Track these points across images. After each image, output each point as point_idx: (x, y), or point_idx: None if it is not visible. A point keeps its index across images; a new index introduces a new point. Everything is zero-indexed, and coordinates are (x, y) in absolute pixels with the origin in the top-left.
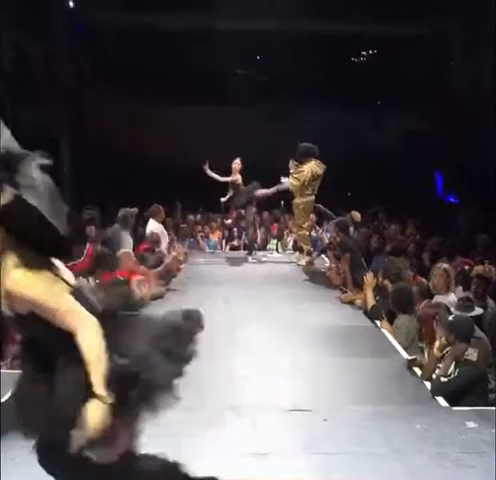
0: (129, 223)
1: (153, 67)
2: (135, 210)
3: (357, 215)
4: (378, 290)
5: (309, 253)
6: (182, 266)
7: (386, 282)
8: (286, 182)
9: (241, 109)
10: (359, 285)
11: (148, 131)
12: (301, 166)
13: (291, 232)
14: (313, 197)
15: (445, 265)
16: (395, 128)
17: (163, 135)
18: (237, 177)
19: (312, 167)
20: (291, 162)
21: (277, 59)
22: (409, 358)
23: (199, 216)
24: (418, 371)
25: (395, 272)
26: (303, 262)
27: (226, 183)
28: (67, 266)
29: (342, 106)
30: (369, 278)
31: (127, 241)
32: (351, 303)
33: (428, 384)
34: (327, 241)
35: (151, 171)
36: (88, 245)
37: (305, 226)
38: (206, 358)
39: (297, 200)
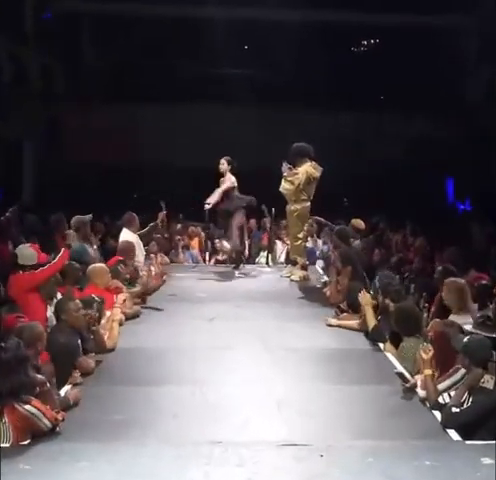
0: (81, 232)
1: (131, 61)
2: (89, 217)
3: (360, 223)
4: (380, 309)
5: (304, 267)
6: (162, 279)
7: (387, 301)
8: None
9: (229, 109)
10: (357, 305)
11: (128, 133)
12: (295, 168)
13: (283, 243)
14: (309, 203)
15: (459, 280)
16: (401, 131)
17: (144, 137)
18: (230, 180)
19: (307, 169)
20: (284, 165)
21: (268, 52)
22: (409, 384)
23: (179, 225)
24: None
25: (395, 289)
26: (297, 277)
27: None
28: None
29: (343, 106)
30: (365, 296)
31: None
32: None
33: (438, 415)
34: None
35: (130, 175)
36: (62, 251)
37: (300, 236)
38: (188, 385)
39: (291, 206)
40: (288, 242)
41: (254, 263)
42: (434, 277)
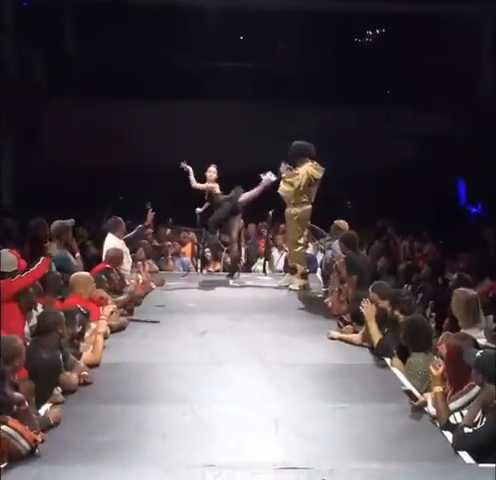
0: (63, 238)
1: (117, 54)
2: (71, 221)
3: (343, 223)
4: (387, 322)
5: (304, 275)
6: (150, 287)
7: (396, 313)
8: (269, 175)
9: (223, 105)
10: (361, 316)
11: (115, 131)
12: (295, 169)
13: (281, 249)
14: (310, 206)
15: (469, 291)
16: (409, 128)
17: (132, 135)
18: (213, 185)
19: (308, 170)
20: (283, 165)
21: (266, 43)
22: (417, 403)
23: (169, 230)
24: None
25: (404, 300)
26: (296, 286)
27: (202, 191)
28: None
29: (346, 101)
30: (368, 307)
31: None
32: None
33: (449, 435)
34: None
35: (115, 176)
36: (42, 258)
37: (301, 242)
38: (177, 403)
39: (291, 210)
40: (286, 248)
41: (250, 271)
42: (447, 286)
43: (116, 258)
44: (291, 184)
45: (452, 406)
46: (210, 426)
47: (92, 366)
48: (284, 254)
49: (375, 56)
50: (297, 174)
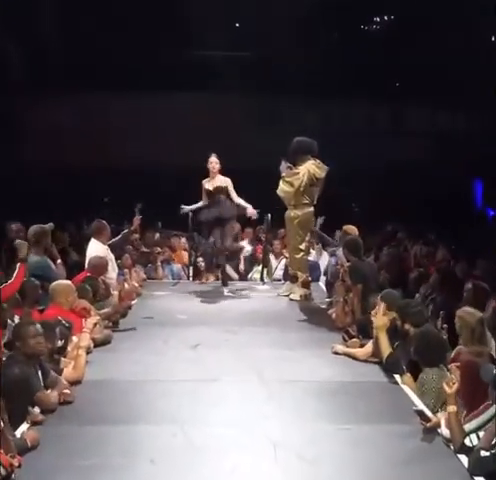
0: (42, 244)
1: (99, 43)
2: (50, 226)
3: (353, 229)
4: (397, 335)
5: (306, 284)
6: (134, 302)
7: (407, 326)
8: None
9: (217, 99)
10: (368, 329)
11: (97, 126)
12: (295, 167)
13: (280, 256)
14: (312, 208)
15: (473, 313)
16: (422, 124)
17: (116, 132)
18: (217, 182)
19: (310, 168)
20: (283, 163)
21: (264, 31)
22: (430, 424)
23: (158, 235)
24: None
25: (415, 311)
26: (297, 296)
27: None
28: None
29: (352, 94)
30: (378, 317)
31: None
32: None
33: (465, 459)
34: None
35: (99, 177)
36: (19, 266)
37: (302, 247)
38: (167, 424)
39: (291, 212)
40: (286, 254)
41: (246, 279)
42: (460, 295)
43: (99, 267)
44: (291, 184)
45: (467, 427)
46: (202, 449)
47: (74, 383)
48: (283, 261)
49: (383, 45)
50: (298, 173)
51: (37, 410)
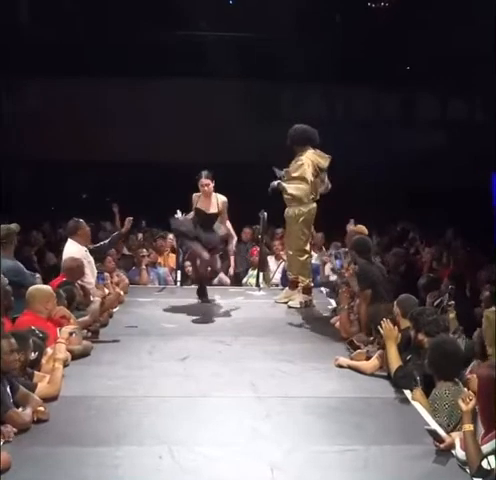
0: (10, 245)
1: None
2: (15, 226)
3: (363, 229)
4: (410, 347)
5: (307, 290)
6: (115, 309)
7: (421, 336)
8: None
9: (210, 85)
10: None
11: (75, 116)
12: (295, 159)
13: (280, 258)
14: (315, 204)
15: None
16: (433, 113)
17: (97, 122)
18: (212, 206)
19: (311, 158)
20: (277, 171)
21: (261, 9)
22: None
23: (141, 235)
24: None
25: (431, 319)
26: (296, 303)
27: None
28: None
29: (358, 80)
30: (388, 327)
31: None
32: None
33: None
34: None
35: (76, 171)
36: None
37: (307, 248)
38: (153, 445)
39: (295, 210)
40: (285, 257)
41: (241, 284)
42: (476, 302)
43: (74, 269)
44: (302, 178)
45: (485, 448)
46: (192, 472)
47: (49, 400)
48: (282, 264)
49: (392, 26)
50: (302, 164)
51: (8, 429)
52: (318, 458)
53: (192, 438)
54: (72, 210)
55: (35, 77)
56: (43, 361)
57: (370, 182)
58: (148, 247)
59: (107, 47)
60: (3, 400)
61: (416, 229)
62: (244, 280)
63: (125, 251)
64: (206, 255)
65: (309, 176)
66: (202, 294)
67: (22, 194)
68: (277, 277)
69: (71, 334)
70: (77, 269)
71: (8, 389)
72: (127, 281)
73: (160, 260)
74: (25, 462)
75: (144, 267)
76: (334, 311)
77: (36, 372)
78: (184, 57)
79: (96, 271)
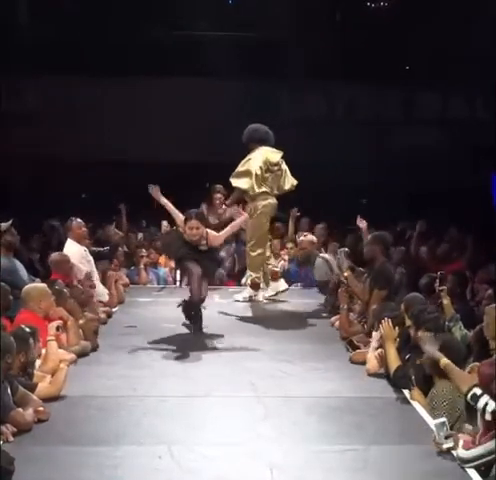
0: (4, 244)
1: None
2: (6, 225)
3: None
4: (409, 345)
5: (254, 285)
6: (115, 309)
7: (421, 333)
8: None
9: (207, 84)
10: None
11: (73, 114)
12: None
13: (278, 256)
14: (274, 200)
15: None
16: (434, 111)
17: (95, 120)
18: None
19: (261, 153)
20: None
21: (261, 8)
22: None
23: (141, 234)
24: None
25: (431, 317)
26: (240, 297)
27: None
28: None
29: (358, 78)
30: (386, 327)
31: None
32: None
33: None
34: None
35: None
36: None
37: (260, 244)
38: (153, 445)
39: (250, 205)
40: (285, 256)
41: (240, 284)
42: (478, 303)
43: (61, 264)
44: (247, 172)
45: (485, 448)
46: (192, 472)
47: (49, 400)
48: (281, 263)
49: (392, 24)
50: (249, 159)
51: (9, 429)
52: (318, 458)
53: (191, 438)
54: (72, 210)
55: (34, 76)
56: (40, 361)
57: (370, 182)
58: (148, 247)
59: (107, 47)
60: (5, 400)
61: (415, 229)
62: (243, 280)
63: (125, 249)
64: (197, 270)
65: (253, 168)
66: (196, 320)
67: (22, 194)
68: None
69: (58, 329)
70: (64, 263)
71: (8, 390)
72: (127, 280)
73: (160, 260)
74: (25, 462)
75: (143, 267)
76: (331, 311)
77: (36, 372)
78: (184, 57)
79: (96, 271)
